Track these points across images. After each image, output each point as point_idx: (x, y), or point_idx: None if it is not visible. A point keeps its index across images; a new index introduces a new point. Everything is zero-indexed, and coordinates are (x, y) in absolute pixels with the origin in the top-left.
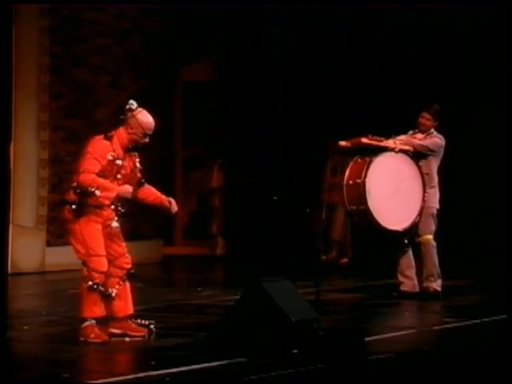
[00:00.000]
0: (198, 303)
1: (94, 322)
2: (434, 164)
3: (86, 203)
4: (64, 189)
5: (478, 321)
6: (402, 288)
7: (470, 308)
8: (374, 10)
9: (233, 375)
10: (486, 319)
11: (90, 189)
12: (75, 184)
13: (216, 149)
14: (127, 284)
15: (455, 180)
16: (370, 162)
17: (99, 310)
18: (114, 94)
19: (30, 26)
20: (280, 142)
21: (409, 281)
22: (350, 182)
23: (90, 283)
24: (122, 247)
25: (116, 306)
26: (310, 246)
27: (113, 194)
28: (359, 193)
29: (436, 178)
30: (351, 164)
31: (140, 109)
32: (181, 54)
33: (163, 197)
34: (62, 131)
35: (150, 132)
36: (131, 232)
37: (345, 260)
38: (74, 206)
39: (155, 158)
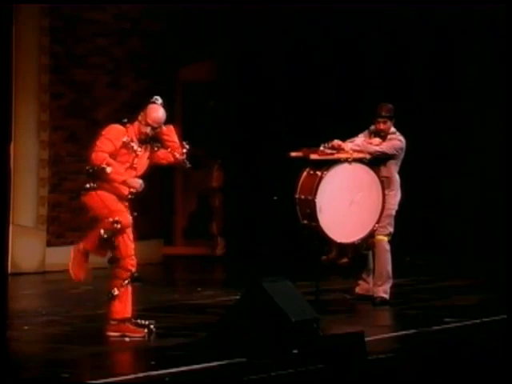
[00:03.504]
0: (198, 303)
1: None
2: (393, 167)
3: (98, 186)
4: (64, 189)
5: (478, 321)
6: (357, 290)
7: (469, 308)
8: (373, 9)
9: (233, 375)
10: (486, 319)
11: (101, 165)
12: (87, 166)
13: (216, 149)
14: (129, 287)
15: (455, 180)
16: (321, 178)
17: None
18: (114, 93)
19: (29, 26)
20: (280, 141)
21: (364, 283)
22: (302, 196)
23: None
24: (129, 248)
25: (115, 307)
26: (310, 246)
27: (121, 179)
28: (310, 210)
29: (397, 182)
30: (304, 176)
31: (158, 104)
32: (181, 54)
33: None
34: (62, 131)
35: (153, 124)
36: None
37: (345, 260)
38: (87, 185)
39: None
